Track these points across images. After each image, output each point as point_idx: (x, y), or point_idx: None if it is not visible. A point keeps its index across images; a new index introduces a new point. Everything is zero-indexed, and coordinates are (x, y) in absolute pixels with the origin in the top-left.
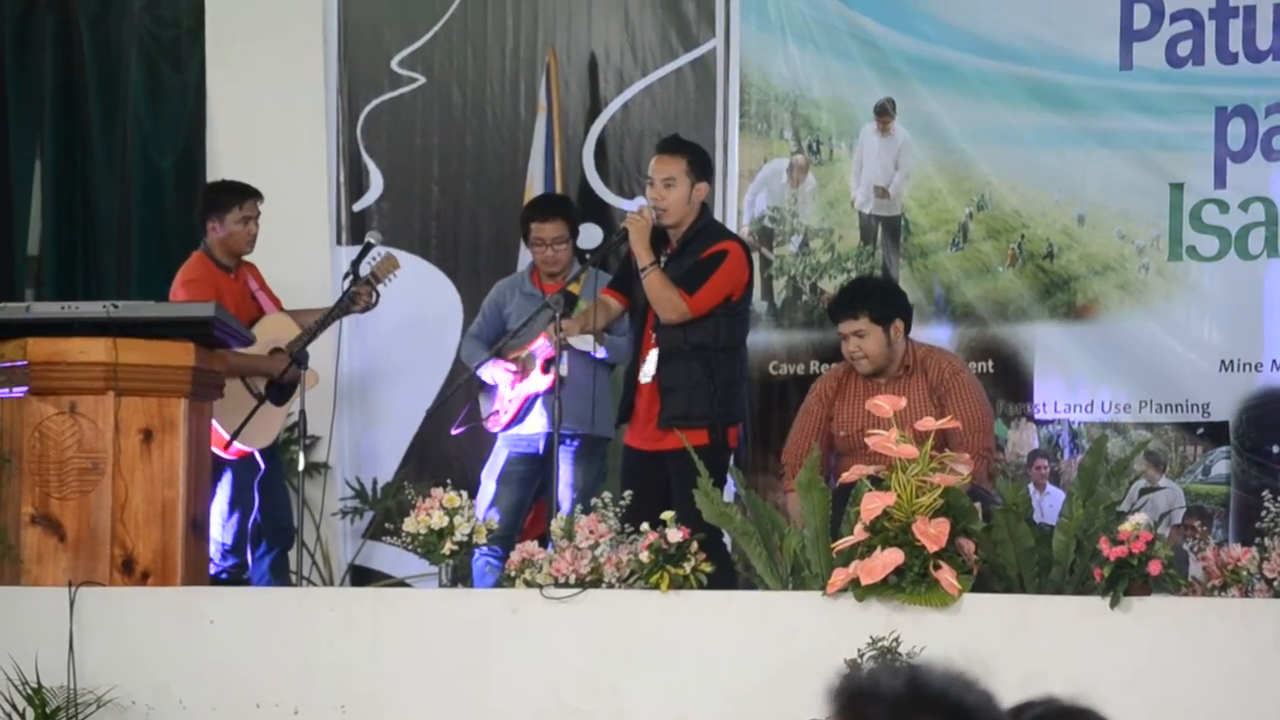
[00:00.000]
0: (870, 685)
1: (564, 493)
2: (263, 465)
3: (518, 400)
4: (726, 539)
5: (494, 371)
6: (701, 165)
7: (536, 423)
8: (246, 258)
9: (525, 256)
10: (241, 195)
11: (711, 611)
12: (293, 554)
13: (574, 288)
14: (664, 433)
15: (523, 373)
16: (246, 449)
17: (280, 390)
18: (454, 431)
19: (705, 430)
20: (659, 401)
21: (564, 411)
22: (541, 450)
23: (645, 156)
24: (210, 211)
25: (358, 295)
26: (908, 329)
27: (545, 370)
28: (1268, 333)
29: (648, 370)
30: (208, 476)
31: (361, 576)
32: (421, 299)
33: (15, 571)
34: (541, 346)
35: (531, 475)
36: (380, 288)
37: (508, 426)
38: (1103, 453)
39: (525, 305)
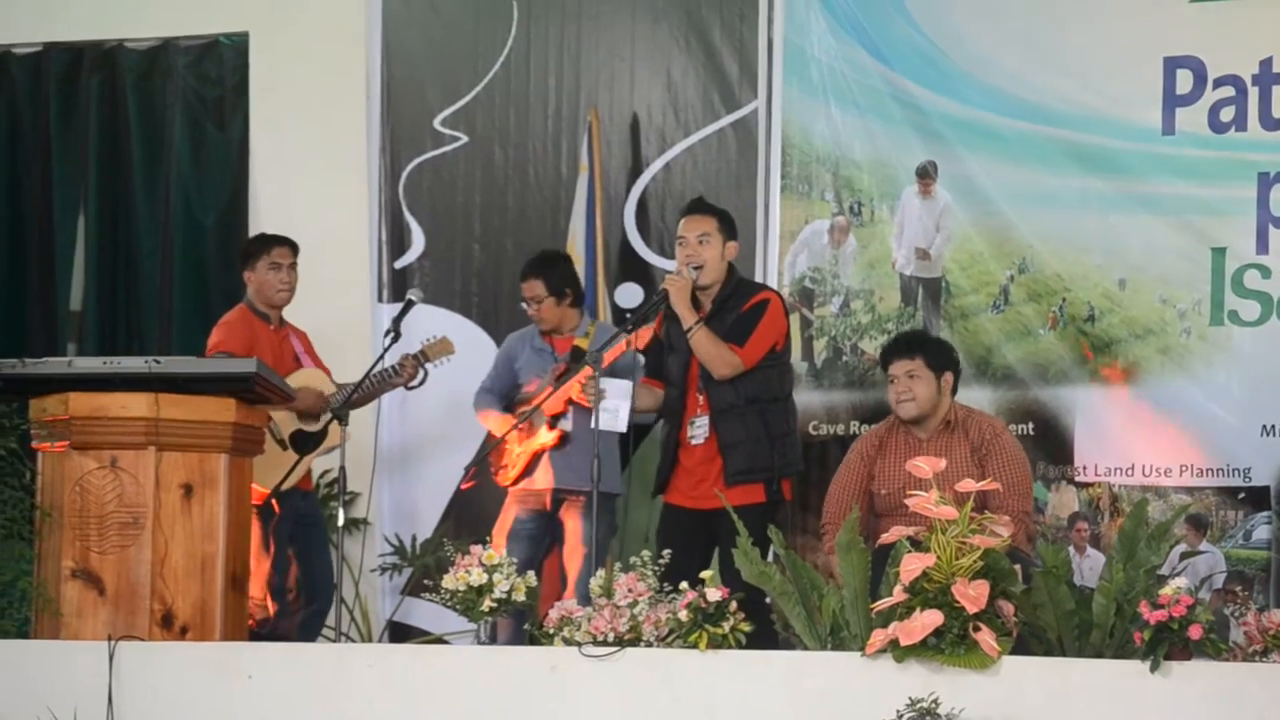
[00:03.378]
0: None
1: (575, 548)
2: (277, 510)
3: (525, 455)
4: (767, 598)
5: (494, 421)
6: (729, 225)
7: (543, 478)
8: (296, 324)
9: None
10: (269, 244)
11: (750, 671)
12: (332, 610)
13: (581, 341)
14: (715, 491)
15: (529, 429)
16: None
17: (305, 439)
18: (462, 486)
19: (762, 485)
20: (718, 459)
21: (570, 468)
22: (550, 507)
23: None
24: (244, 262)
25: (402, 367)
26: (955, 387)
27: (551, 427)
28: None
29: (699, 433)
30: (248, 531)
31: (400, 633)
32: (463, 356)
33: (55, 625)
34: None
35: (540, 532)
36: (430, 366)
37: (515, 481)
38: (1143, 516)
39: (535, 360)
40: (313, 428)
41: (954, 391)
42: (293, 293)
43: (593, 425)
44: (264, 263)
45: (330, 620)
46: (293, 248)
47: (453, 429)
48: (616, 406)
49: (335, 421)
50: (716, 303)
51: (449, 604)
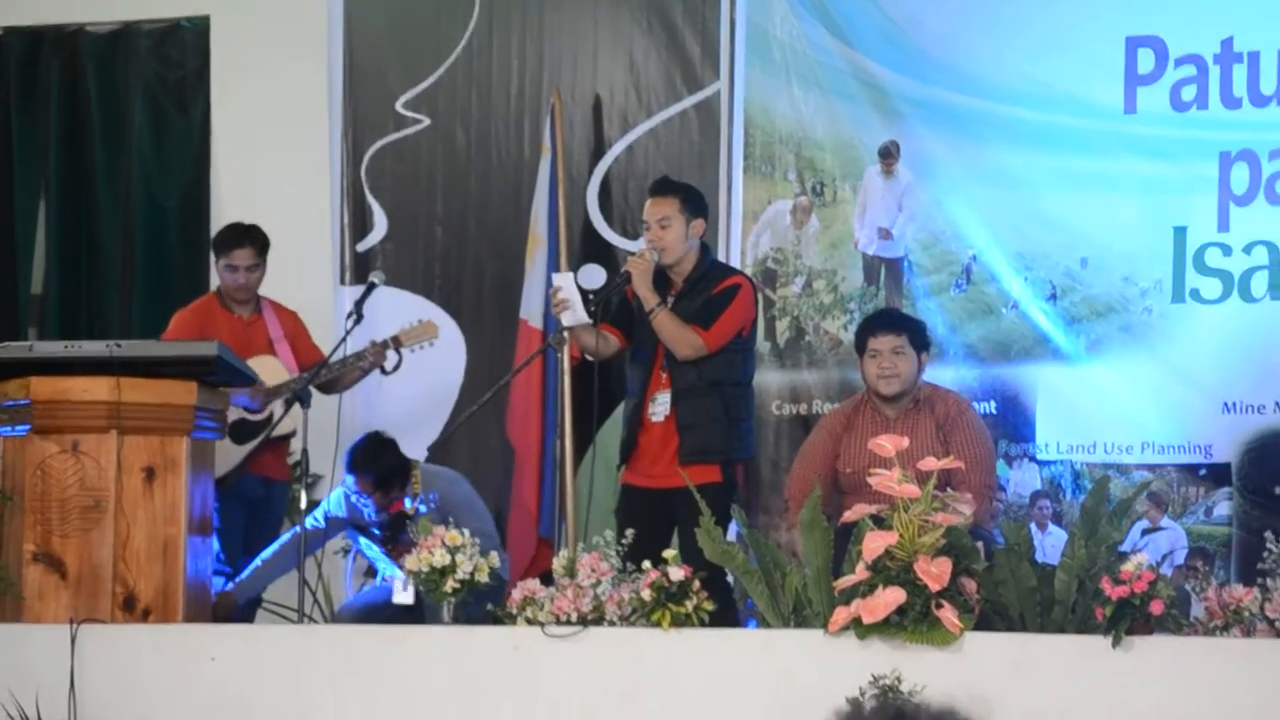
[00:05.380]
0: None
1: None
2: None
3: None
4: (730, 577)
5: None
6: (694, 203)
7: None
8: (290, 308)
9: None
10: (229, 245)
11: (713, 650)
12: (294, 592)
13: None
14: (673, 470)
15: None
16: None
17: (246, 429)
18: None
19: (719, 466)
20: (675, 438)
21: None
22: None
23: None
24: (213, 252)
25: (363, 354)
26: (923, 366)
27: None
28: (1270, 375)
29: (660, 410)
30: (210, 515)
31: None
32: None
33: (17, 609)
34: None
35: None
36: (406, 351)
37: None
38: (1105, 493)
39: None
40: (255, 417)
41: (922, 369)
42: (251, 293)
43: (564, 326)
44: (221, 264)
45: (293, 602)
46: (257, 248)
47: (412, 400)
48: (571, 301)
49: (291, 407)
50: (688, 283)
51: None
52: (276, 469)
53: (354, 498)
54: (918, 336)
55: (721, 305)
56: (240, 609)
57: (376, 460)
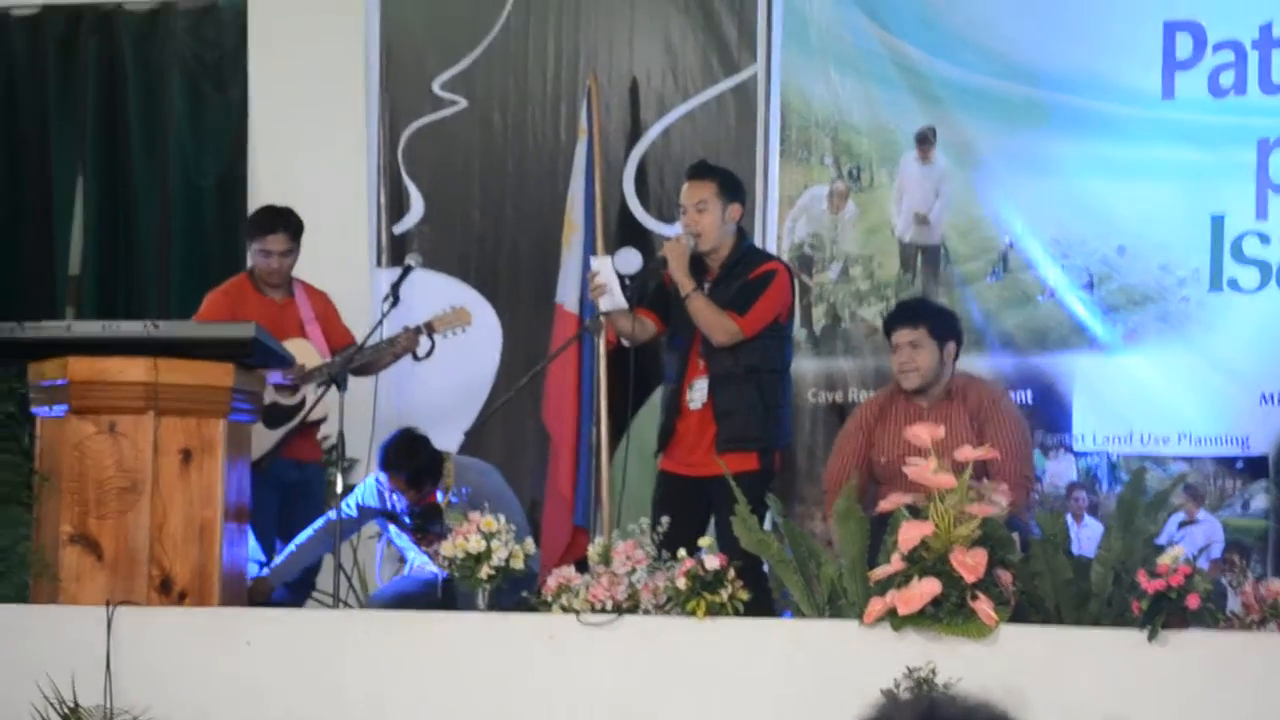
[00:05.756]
0: (887, 715)
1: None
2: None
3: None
4: (765, 566)
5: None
6: (732, 187)
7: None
8: (326, 290)
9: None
10: (262, 229)
11: (747, 639)
12: (329, 577)
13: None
14: (710, 458)
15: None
16: None
17: (278, 413)
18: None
19: (756, 454)
20: (713, 426)
21: None
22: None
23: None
24: (248, 234)
25: (395, 340)
26: (957, 355)
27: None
28: None
29: (697, 396)
30: (247, 497)
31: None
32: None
33: (53, 590)
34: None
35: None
36: (438, 337)
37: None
38: (1141, 485)
39: None
40: (288, 400)
41: (955, 359)
42: (284, 277)
43: (601, 310)
44: (254, 248)
45: (329, 588)
46: (290, 232)
47: (448, 385)
48: (609, 286)
49: (326, 391)
50: (725, 268)
51: (447, 571)
52: (309, 451)
53: (386, 494)
54: (940, 327)
55: (757, 291)
56: (291, 596)
57: (410, 458)
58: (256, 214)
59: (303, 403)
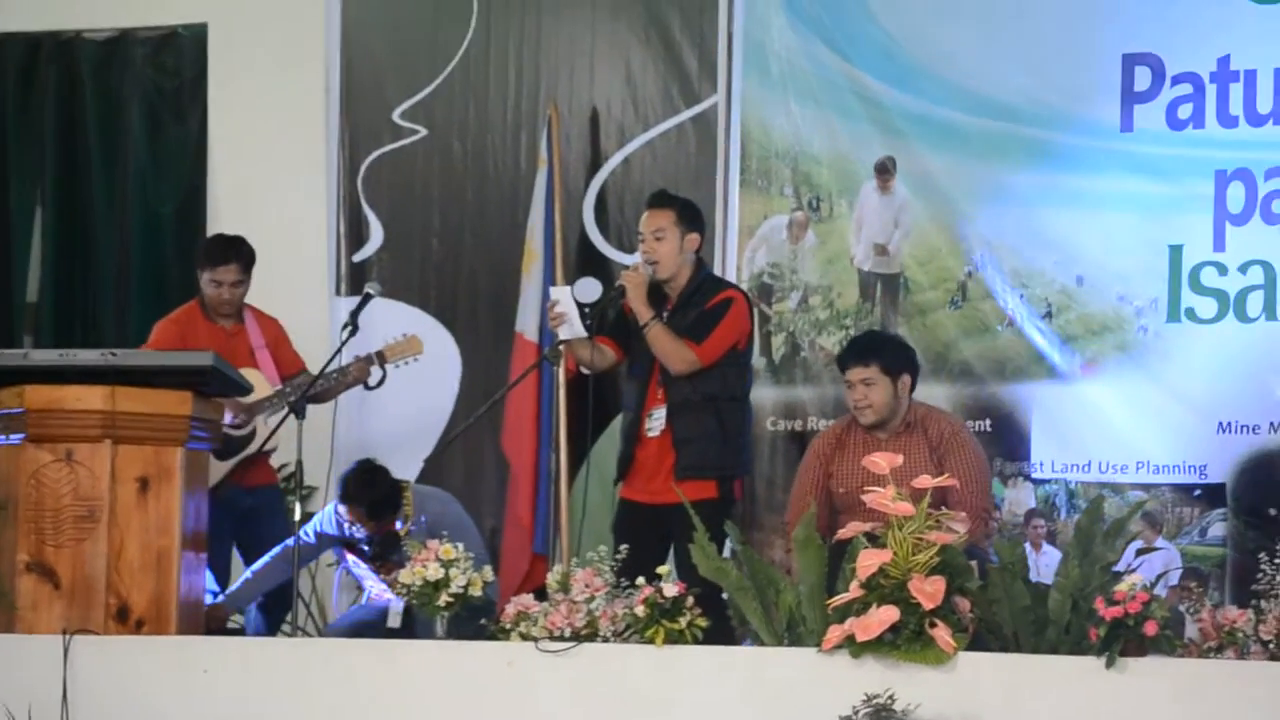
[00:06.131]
0: None
1: None
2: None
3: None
4: (724, 594)
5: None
6: (690, 216)
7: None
8: (272, 315)
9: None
10: (213, 260)
11: (706, 667)
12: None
13: None
14: (669, 486)
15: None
16: None
17: (227, 443)
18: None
19: (715, 482)
20: (672, 454)
21: None
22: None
23: None
24: (197, 263)
25: (346, 371)
26: (913, 386)
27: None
28: (1265, 395)
29: (656, 424)
30: (205, 525)
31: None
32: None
33: (9, 619)
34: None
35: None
36: (390, 367)
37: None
38: (1099, 513)
39: None
40: (238, 432)
41: (912, 390)
42: (235, 306)
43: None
44: (205, 277)
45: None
46: (243, 263)
47: (406, 413)
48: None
49: (283, 422)
50: (682, 297)
51: (406, 599)
52: (262, 476)
53: (345, 525)
54: (893, 362)
55: (715, 319)
56: (266, 619)
57: (368, 490)
58: (208, 243)
59: (253, 433)
